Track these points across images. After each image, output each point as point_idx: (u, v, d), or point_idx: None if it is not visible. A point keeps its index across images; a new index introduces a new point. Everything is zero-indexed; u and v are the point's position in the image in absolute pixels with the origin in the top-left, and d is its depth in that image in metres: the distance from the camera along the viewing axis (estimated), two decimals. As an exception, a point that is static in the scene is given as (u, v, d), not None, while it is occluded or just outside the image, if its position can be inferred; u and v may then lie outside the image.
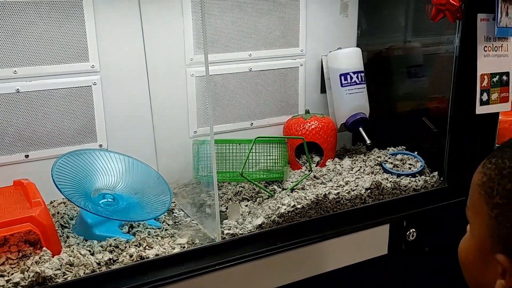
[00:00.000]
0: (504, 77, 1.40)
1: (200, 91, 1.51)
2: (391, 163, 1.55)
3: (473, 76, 1.36)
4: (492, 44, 1.35)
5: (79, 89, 1.37)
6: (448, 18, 1.29)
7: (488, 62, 1.35)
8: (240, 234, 1.22)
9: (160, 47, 1.44)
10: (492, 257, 0.61)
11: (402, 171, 1.51)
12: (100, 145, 1.43)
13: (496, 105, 1.39)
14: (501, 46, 1.37)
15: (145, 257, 1.11)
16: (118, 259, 1.11)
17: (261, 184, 1.44)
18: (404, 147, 1.64)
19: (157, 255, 1.12)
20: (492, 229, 0.61)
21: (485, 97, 1.36)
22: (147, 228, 1.23)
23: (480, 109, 1.36)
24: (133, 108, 1.46)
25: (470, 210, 0.66)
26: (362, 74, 1.65)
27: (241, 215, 1.31)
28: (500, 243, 0.60)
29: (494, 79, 1.37)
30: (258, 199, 1.39)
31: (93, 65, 1.37)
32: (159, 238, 1.20)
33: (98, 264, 1.09)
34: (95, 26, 1.35)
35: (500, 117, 1.80)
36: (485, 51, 1.34)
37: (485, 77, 1.35)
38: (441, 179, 1.49)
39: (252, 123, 1.66)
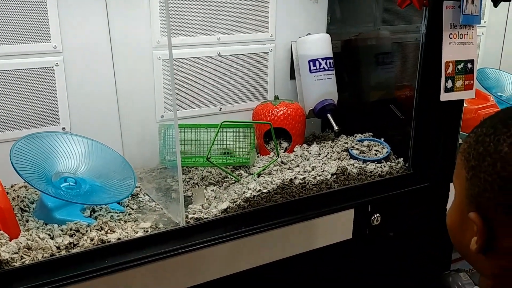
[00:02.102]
0: (469, 65, 1.41)
1: (167, 75, 1.48)
2: (358, 149, 1.56)
3: (439, 63, 1.37)
4: (458, 32, 1.37)
5: (41, 70, 1.33)
6: (414, 4, 1.29)
7: (453, 50, 1.36)
8: (205, 218, 1.21)
9: (125, 29, 1.41)
10: (468, 218, 0.66)
11: (368, 157, 1.52)
12: (63, 128, 1.39)
13: (461, 92, 1.41)
14: (466, 34, 1.39)
15: (106, 241, 1.09)
16: (78, 243, 1.08)
17: (228, 169, 1.43)
18: (371, 134, 1.65)
19: (119, 239, 1.11)
20: (467, 190, 0.66)
21: (449, 84, 1.38)
22: (110, 212, 1.21)
23: (444, 96, 1.38)
24: (98, 90, 1.42)
25: (454, 177, 0.71)
26: (331, 61, 1.65)
27: (207, 199, 1.30)
28: (473, 202, 0.65)
29: (459, 67, 1.39)
30: (225, 183, 1.39)
31: (55, 46, 1.33)
32: (122, 222, 1.18)
33: (58, 248, 1.06)
34: (57, 5, 1.31)
35: (465, 105, 1.83)
36: (451, 38, 1.35)
37: (450, 64, 1.37)
38: (406, 165, 1.51)
39: (220, 108, 1.64)
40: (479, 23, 1.40)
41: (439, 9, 1.33)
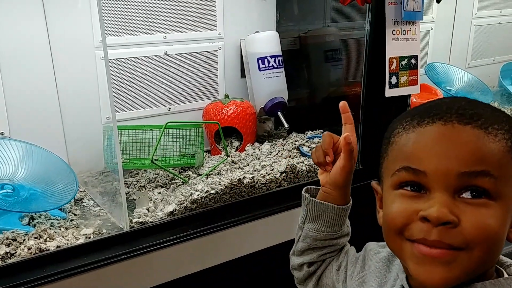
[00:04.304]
0: (413, 60, 1.43)
1: (112, 75, 1.44)
2: (308, 146, 1.56)
3: (383, 59, 1.38)
4: (401, 28, 1.38)
5: (-26, 72, 1.27)
6: (357, 1, 1.30)
7: (396, 46, 1.38)
8: (150, 222, 1.19)
9: (65, 29, 1.36)
10: None
11: (318, 154, 1.52)
12: (2, 133, 1.34)
13: (405, 88, 1.43)
14: (409, 30, 1.40)
15: (45, 249, 1.05)
16: (15, 253, 1.04)
17: (176, 170, 1.41)
18: (321, 131, 1.66)
19: (58, 247, 1.07)
20: None
21: (394, 80, 1.39)
22: (50, 219, 1.17)
23: (389, 92, 1.39)
24: (37, 93, 1.37)
25: (501, 183, 0.59)
26: (280, 58, 1.64)
27: (153, 202, 1.27)
28: None
29: (403, 62, 1.40)
30: (172, 185, 1.36)
31: (-11, 47, 1.28)
32: (63, 229, 1.14)
33: (-7, 259, 1.02)
34: (-11, 5, 1.25)
35: (414, 100, 1.86)
36: (394, 34, 1.36)
37: (394, 60, 1.38)
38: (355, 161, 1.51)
39: (170, 108, 1.61)
40: (422, 19, 1.41)
41: (381, 6, 1.34)
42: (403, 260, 0.66)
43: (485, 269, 0.63)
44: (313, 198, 0.88)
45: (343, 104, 0.91)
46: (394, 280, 0.75)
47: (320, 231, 0.88)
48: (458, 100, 0.65)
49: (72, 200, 1.27)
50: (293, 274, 0.97)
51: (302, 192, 0.91)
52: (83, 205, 1.29)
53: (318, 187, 0.91)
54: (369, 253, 0.85)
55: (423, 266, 0.60)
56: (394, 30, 1.36)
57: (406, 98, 1.49)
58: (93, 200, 1.32)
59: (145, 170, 1.44)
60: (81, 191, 1.35)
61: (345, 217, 0.90)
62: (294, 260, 0.95)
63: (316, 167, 1.46)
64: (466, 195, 0.59)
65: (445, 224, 0.58)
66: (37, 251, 1.05)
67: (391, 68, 1.38)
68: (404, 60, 1.40)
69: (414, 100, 1.85)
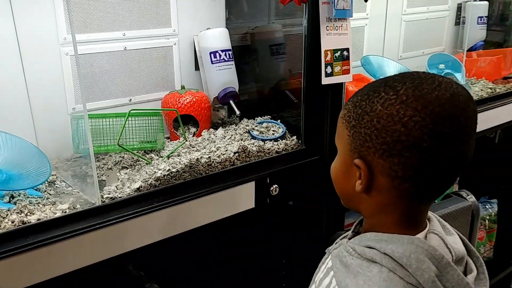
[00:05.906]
0: (345, 53, 1.65)
1: (76, 69, 1.58)
2: (258, 130, 1.76)
3: (320, 52, 1.59)
4: (333, 24, 1.59)
5: (-51, 68, 1.38)
6: (295, 1, 1.50)
7: (330, 40, 1.59)
8: (120, 197, 1.34)
9: (32, 27, 1.49)
10: (352, 167, 0.85)
11: (267, 136, 1.72)
12: (-24, 124, 1.45)
13: (339, 76, 1.64)
14: (341, 26, 1.62)
15: (27, 222, 1.19)
16: (1, 226, 1.18)
17: (139, 153, 1.57)
18: (270, 117, 1.85)
19: (39, 219, 1.21)
20: (350, 144, 0.86)
21: (329, 70, 1.60)
22: (28, 197, 1.30)
23: (325, 80, 1.60)
24: (7, 87, 1.49)
25: (337, 137, 0.92)
26: (230, 52, 1.82)
27: (121, 181, 1.43)
28: (356, 153, 0.85)
29: (336, 54, 1.62)
30: (137, 166, 1.52)
31: (-38, 45, 1.39)
32: (41, 205, 1.28)
33: (-20, 232, 1.15)
34: (-37, 6, 1.37)
35: (351, 88, 2.09)
36: (327, 30, 1.57)
37: (328, 52, 1.59)
38: (299, 142, 1.72)
39: (130, 99, 1.77)
40: (352, 16, 1.63)
41: (316, 4, 1.55)
42: None
43: (358, 210, 0.93)
44: None
45: None
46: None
47: None
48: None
49: (46, 183, 1.41)
50: None
51: None
52: (56, 186, 1.43)
53: None
54: None
55: None
56: (327, 26, 1.57)
57: (341, 85, 1.70)
58: (65, 182, 1.46)
59: (111, 155, 1.59)
60: (52, 175, 1.48)
61: None
62: None
63: (265, 147, 1.66)
64: None
65: None
66: (20, 223, 1.18)
67: (326, 59, 1.59)
68: (337, 52, 1.62)
69: (351, 88, 2.07)
